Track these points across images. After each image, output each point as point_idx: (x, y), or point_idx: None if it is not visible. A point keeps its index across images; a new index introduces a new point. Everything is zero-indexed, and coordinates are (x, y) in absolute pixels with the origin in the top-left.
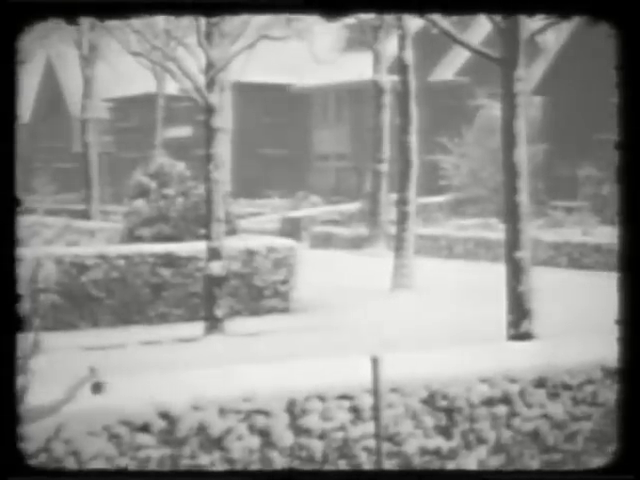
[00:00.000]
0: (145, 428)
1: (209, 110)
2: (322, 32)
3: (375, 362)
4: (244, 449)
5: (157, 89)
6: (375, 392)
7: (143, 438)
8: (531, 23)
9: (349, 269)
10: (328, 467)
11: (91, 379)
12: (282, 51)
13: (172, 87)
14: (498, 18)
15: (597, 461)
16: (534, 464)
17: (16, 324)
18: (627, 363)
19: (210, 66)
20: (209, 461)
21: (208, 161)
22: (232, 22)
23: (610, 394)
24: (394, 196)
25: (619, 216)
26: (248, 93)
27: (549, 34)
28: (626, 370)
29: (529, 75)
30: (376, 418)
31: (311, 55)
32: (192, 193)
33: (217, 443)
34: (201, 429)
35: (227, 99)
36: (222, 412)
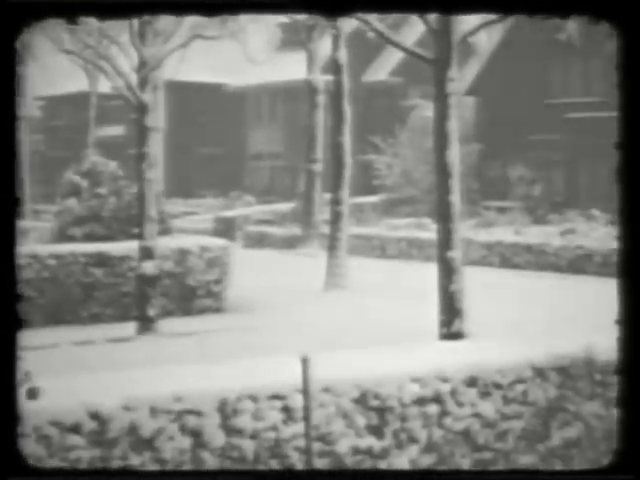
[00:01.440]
0: (75, 429)
1: (142, 109)
2: (256, 32)
3: (305, 362)
4: (175, 449)
5: (90, 87)
6: (305, 392)
7: (73, 439)
8: (464, 24)
9: (282, 269)
10: (260, 467)
11: (26, 383)
12: (216, 50)
13: (105, 86)
14: (431, 19)
15: (527, 459)
16: (465, 463)
17: (16, 324)
18: (627, 363)
19: (143, 65)
20: (140, 462)
21: (141, 160)
22: (165, 21)
23: (540, 393)
24: (328, 196)
25: (618, 216)
26: (182, 92)
27: (482, 35)
28: (626, 370)
29: (462, 76)
30: (306, 418)
31: (245, 55)
32: (125, 192)
33: (148, 444)
34: (132, 429)
35: (160, 98)
36: (153, 412)
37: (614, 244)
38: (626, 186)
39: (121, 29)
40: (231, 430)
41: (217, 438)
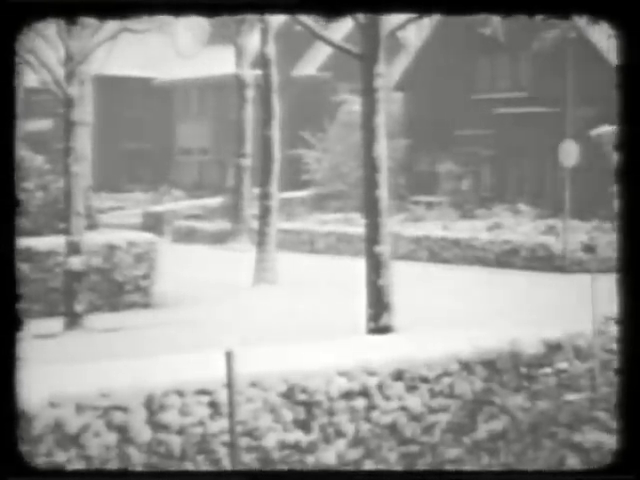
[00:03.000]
0: None
1: (68, 103)
2: (185, 26)
3: (229, 356)
4: (101, 446)
5: (16, 81)
6: (230, 386)
7: None
8: (391, 19)
9: (211, 264)
10: (187, 463)
11: None
12: (144, 44)
13: (31, 79)
14: (359, 14)
15: (453, 452)
16: (392, 457)
17: (16, 324)
18: (627, 363)
19: (70, 58)
20: (65, 458)
21: (67, 154)
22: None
23: (466, 386)
24: (257, 190)
25: (618, 216)
26: (110, 86)
27: (410, 30)
28: (626, 370)
29: (390, 71)
30: (230, 413)
31: (174, 49)
32: (51, 187)
33: (74, 440)
34: (57, 426)
35: (88, 92)
36: (79, 409)
37: (540, 238)
38: (626, 186)
39: (47, 22)
40: (158, 426)
41: (143, 434)
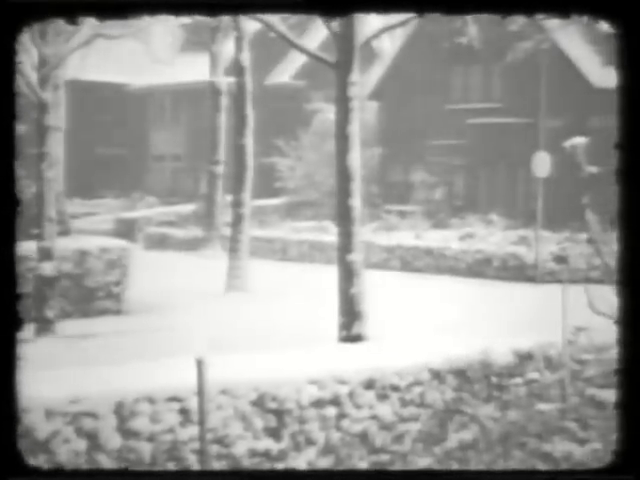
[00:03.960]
0: None
1: (42, 108)
2: (159, 32)
3: (200, 364)
4: (70, 452)
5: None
6: (200, 394)
7: None
8: (366, 28)
9: (184, 271)
10: (157, 469)
11: None
12: (119, 50)
13: None
14: (334, 23)
15: (423, 461)
16: (363, 465)
17: (16, 324)
18: (627, 363)
19: (43, 63)
20: (34, 464)
21: (41, 160)
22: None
23: (437, 395)
24: (230, 198)
25: (618, 217)
26: (84, 92)
27: (385, 39)
28: (626, 370)
29: (364, 80)
30: (201, 420)
31: (148, 55)
32: (24, 192)
33: (43, 446)
34: (27, 432)
35: (62, 97)
36: (49, 415)
37: (512, 248)
38: (626, 187)
39: None
40: (128, 432)
41: (113, 440)
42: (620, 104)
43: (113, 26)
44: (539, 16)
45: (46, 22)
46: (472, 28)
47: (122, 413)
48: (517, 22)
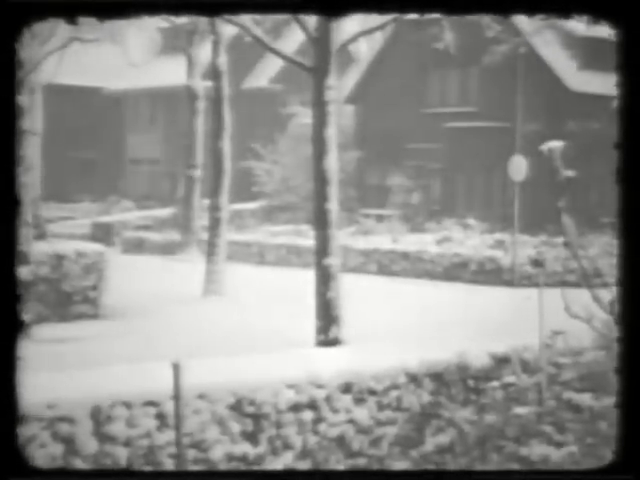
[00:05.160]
0: None
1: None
2: (136, 36)
3: (176, 368)
4: (47, 457)
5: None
6: (176, 398)
7: None
8: (343, 32)
9: (161, 275)
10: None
11: None
12: (95, 54)
13: None
14: (310, 27)
15: (400, 465)
16: (340, 469)
17: (16, 324)
18: (627, 363)
19: (19, 67)
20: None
21: (17, 164)
22: (42, 23)
23: (414, 399)
24: (207, 202)
25: (618, 218)
26: (61, 95)
27: (362, 43)
28: (626, 370)
29: (341, 84)
30: (177, 424)
31: (125, 58)
32: None
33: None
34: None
35: (38, 101)
36: (25, 419)
37: (489, 252)
38: (626, 187)
39: None
40: (104, 437)
41: (89, 445)
42: (620, 104)
43: (89, 30)
44: (540, 16)
45: (46, 22)
46: (449, 34)
47: (98, 418)
48: (493, 27)
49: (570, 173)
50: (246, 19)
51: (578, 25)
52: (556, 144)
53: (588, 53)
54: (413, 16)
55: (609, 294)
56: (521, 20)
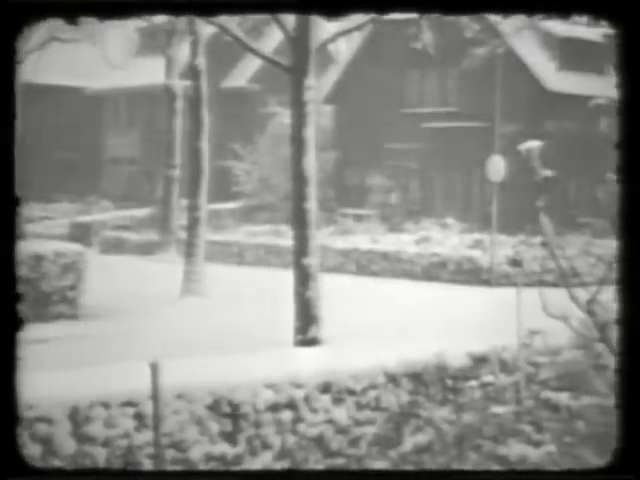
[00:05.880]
0: None
1: None
2: (114, 35)
3: (154, 368)
4: (25, 457)
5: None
6: (154, 398)
7: None
8: (322, 32)
9: (139, 275)
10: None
11: None
12: (75, 53)
13: None
14: (289, 27)
15: (379, 464)
16: (318, 469)
17: (16, 324)
18: (627, 363)
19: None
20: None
21: None
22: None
23: (392, 398)
24: (185, 202)
25: (618, 218)
26: (39, 95)
27: (341, 43)
28: (626, 370)
29: (320, 84)
30: (155, 425)
31: (103, 58)
32: None
33: None
34: None
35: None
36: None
37: (467, 252)
38: (626, 187)
39: None
40: (82, 437)
41: (67, 446)
42: (620, 104)
43: (68, 30)
44: (539, 16)
45: (46, 22)
46: (427, 34)
47: (77, 418)
48: (472, 28)
49: (548, 173)
50: (225, 19)
51: (557, 26)
52: (534, 144)
53: (566, 54)
54: (392, 16)
55: (586, 294)
56: (500, 21)
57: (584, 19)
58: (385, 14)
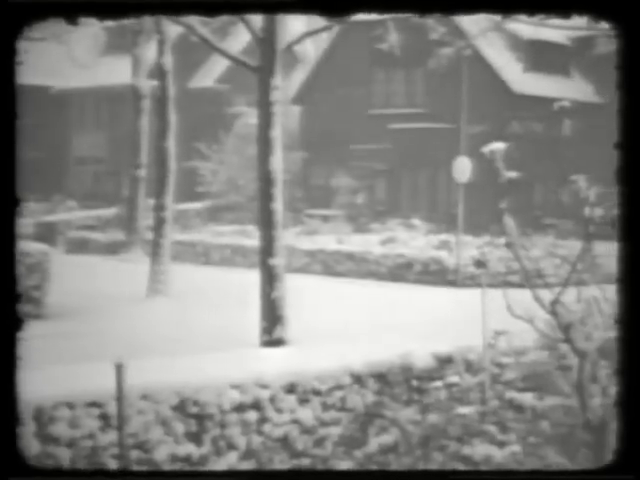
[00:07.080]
0: None
1: None
2: (80, 35)
3: (119, 368)
4: None
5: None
6: (119, 398)
7: None
8: (289, 33)
9: (105, 275)
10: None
11: None
12: (40, 53)
13: None
14: (256, 27)
15: (345, 465)
16: (283, 469)
17: (16, 324)
18: (627, 363)
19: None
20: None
21: None
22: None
23: (358, 399)
24: (152, 201)
25: (618, 218)
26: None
27: (308, 44)
28: (626, 370)
29: (287, 84)
30: (119, 425)
31: (69, 57)
32: None
33: None
34: None
35: None
36: None
37: (433, 253)
38: (626, 187)
39: None
40: (47, 438)
41: (32, 447)
42: (620, 104)
43: (33, 28)
44: (540, 16)
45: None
46: (393, 35)
47: (41, 419)
48: (438, 29)
49: (513, 174)
50: (192, 19)
51: (523, 28)
52: (498, 145)
53: (533, 56)
54: (359, 17)
55: (550, 294)
56: (466, 22)
57: (552, 21)
58: (386, 14)
